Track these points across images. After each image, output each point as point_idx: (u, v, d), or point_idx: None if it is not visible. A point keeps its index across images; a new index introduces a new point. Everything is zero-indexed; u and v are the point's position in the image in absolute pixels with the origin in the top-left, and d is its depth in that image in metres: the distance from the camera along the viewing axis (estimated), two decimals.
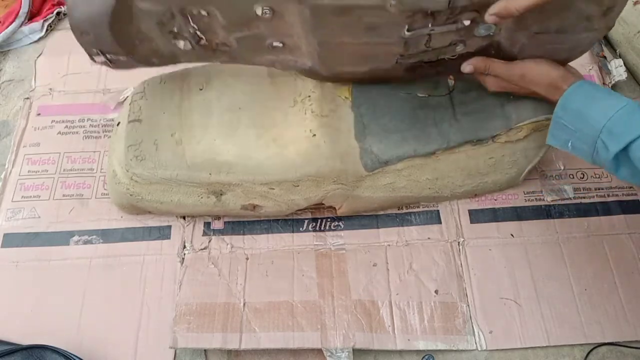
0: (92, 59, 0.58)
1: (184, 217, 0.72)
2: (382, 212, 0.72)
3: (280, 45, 0.59)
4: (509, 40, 0.57)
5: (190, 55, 0.61)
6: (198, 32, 0.57)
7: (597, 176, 0.75)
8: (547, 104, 0.61)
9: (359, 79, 0.66)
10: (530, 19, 0.53)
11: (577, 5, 0.51)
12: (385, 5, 0.49)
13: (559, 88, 0.55)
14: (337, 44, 0.57)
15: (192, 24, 0.55)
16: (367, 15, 0.51)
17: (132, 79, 0.82)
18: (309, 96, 0.64)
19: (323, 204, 0.68)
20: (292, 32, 0.57)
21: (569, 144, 0.54)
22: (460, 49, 0.58)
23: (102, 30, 0.53)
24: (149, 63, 0.61)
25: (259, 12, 0.53)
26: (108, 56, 0.57)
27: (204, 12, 0.55)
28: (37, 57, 0.89)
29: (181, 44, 0.59)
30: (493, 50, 0.59)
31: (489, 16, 0.49)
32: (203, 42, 0.58)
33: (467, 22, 0.53)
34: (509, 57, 0.59)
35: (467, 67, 0.59)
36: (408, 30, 0.53)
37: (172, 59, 0.62)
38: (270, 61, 0.62)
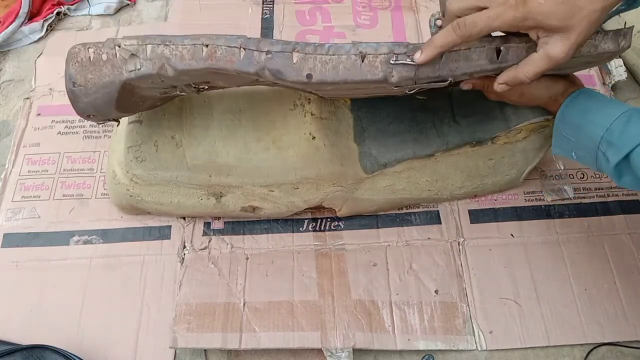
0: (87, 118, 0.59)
1: (184, 218, 0.72)
2: (382, 213, 0.72)
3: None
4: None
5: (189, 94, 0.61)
6: (200, 87, 0.57)
7: (597, 176, 0.75)
8: None
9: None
10: None
11: (601, 47, 0.49)
12: (386, 82, 0.48)
13: (557, 101, 0.55)
14: (333, 94, 0.58)
15: (193, 86, 0.56)
16: (359, 87, 0.51)
17: None
18: (309, 99, 0.64)
19: (323, 206, 0.68)
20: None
21: (573, 153, 0.54)
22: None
23: (108, 111, 0.54)
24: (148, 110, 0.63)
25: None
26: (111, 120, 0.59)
27: (205, 85, 0.56)
28: (37, 57, 0.89)
29: (182, 92, 0.59)
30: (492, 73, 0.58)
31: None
32: (203, 88, 0.58)
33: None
34: None
35: (465, 85, 0.57)
36: (395, 87, 0.50)
37: (165, 102, 0.63)
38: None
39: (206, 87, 0.57)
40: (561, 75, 0.56)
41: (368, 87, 0.49)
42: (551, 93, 0.55)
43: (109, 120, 0.58)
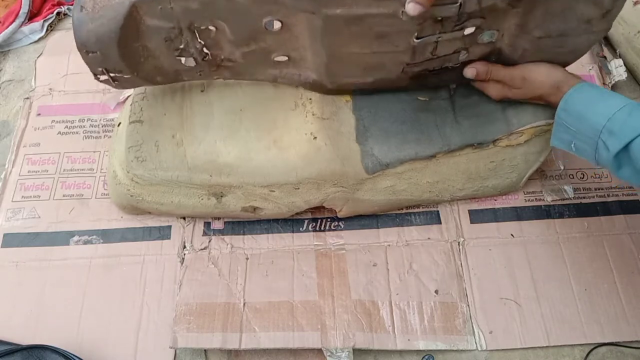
0: (96, 77, 0.58)
1: (184, 218, 0.72)
2: (382, 213, 0.72)
3: (285, 59, 0.59)
4: (511, 47, 0.57)
5: (194, 72, 0.61)
6: (204, 49, 0.57)
7: (597, 176, 0.75)
8: (548, 109, 0.61)
9: (362, 89, 0.66)
10: (532, 23, 0.53)
11: (579, 8, 0.52)
12: (397, 13, 0.49)
13: (560, 90, 0.55)
14: (345, 55, 0.57)
15: (199, 39, 0.55)
16: (379, 24, 0.51)
17: None
18: (310, 99, 0.64)
19: (324, 206, 0.68)
20: (299, 44, 0.57)
21: (572, 145, 0.54)
22: (463, 56, 0.58)
23: (109, 48, 0.53)
24: (152, 81, 0.61)
25: (268, 25, 0.53)
26: (112, 75, 0.57)
27: (212, 27, 0.54)
28: (37, 57, 0.89)
29: (186, 60, 0.59)
30: (494, 57, 0.59)
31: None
32: (208, 57, 0.58)
33: (472, 29, 0.54)
34: (510, 63, 0.59)
35: (469, 71, 0.60)
36: (417, 38, 0.53)
37: (175, 76, 0.62)
38: (273, 76, 0.62)
39: (209, 55, 0.57)
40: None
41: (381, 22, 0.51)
42: (552, 80, 0.56)
43: (105, 72, 0.56)
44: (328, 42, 0.55)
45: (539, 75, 0.57)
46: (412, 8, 0.46)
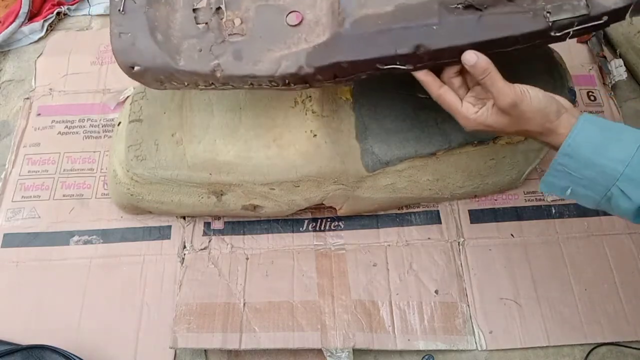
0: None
1: (184, 217, 0.72)
2: (382, 212, 0.72)
3: (299, 20, 0.54)
4: None
5: (193, 49, 0.56)
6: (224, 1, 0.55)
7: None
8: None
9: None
10: None
11: None
12: None
13: (553, 131, 0.48)
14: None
15: None
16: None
17: (132, 80, 0.82)
18: (310, 97, 0.64)
19: (323, 204, 0.68)
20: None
21: (568, 191, 0.48)
22: None
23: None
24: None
25: None
26: None
27: None
28: (37, 57, 0.89)
29: (198, 16, 0.56)
30: None
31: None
32: (223, 17, 0.55)
33: None
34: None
35: (471, 56, 0.48)
36: None
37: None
38: (276, 60, 0.55)
39: (224, 17, 0.56)
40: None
41: None
42: (545, 113, 0.48)
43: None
44: None
45: (531, 107, 0.47)
46: None
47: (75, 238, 0.71)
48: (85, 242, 0.71)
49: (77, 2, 0.95)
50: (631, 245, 0.69)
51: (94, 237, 0.71)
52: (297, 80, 0.53)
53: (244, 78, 0.54)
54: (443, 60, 0.50)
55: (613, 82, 0.82)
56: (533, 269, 0.67)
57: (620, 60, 0.83)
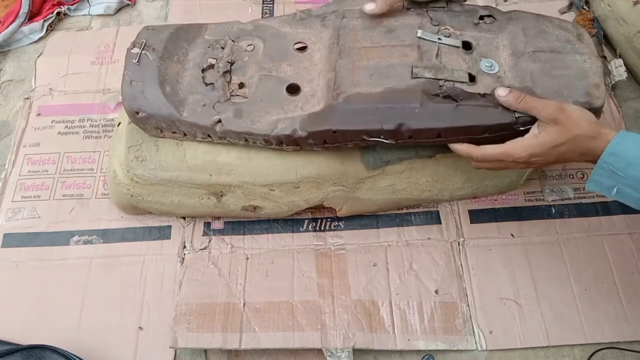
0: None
1: (184, 218, 0.72)
2: (382, 213, 0.72)
3: (296, 94, 0.60)
4: (518, 77, 0.57)
5: (197, 104, 0.60)
6: (231, 67, 0.62)
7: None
8: None
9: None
10: (520, 44, 0.58)
11: (550, 30, 0.59)
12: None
13: (601, 132, 0.50)
14: (357, 51, 0.59)
15: (233, 56, 0.63)
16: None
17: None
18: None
19: (323, 205, 0.68)
20: (315, 72, 0.61)
21: (614, 190, 0.50)
22: (472, 87, 0.56)
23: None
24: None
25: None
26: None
27: (251, 45, 0.64)
28: (37, 57, 0.89)
29: (206, 76, 0.62)
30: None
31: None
32: (229, 78, 0.62)
33: (469, 50, 0.58)
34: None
35: (501, 90, 0.53)
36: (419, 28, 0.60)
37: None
38: (274, 122, 0.59)
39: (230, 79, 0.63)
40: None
41: None
42: (589, 118, 0.51)
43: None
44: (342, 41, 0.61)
45: (575, 111, 0.51)
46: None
47: (75, 238, 0.71)
48: (85, 242, 0.71)
49: (77, 2, 0.95)
50: (631, 245, 0.69)
51: (94, 237, 0.71)
52: (290, 142, 0.59)
53: (241, 134, 0.60)
54: (422, 138, 0.57)
55: (613, 82, 0.82)
56: (533, 269, 0.67)
57: (620, 60, 0.83)
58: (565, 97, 0.55)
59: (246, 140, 0.60)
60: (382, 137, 0.57)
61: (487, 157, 0.54)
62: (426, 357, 0.63)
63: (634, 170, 0.48)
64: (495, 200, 0.73)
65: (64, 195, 0.74)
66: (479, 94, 0.55)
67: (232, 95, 0.61)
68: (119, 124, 0.69)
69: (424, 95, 0.55)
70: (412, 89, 0.56)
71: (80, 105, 0.83)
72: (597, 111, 0.55)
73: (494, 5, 0.83)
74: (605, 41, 0.88)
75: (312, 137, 0.57)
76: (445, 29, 0.60)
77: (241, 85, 0.61)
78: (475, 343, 0.63)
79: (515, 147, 0.52)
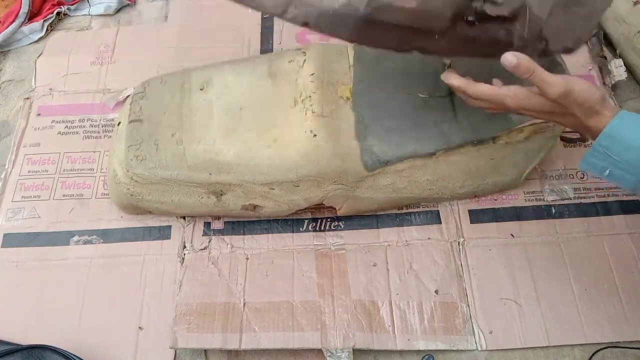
0: None
1: (184, 217, 0.72)
2: (382, 212, 0.72)
3: None
4: (539, 2, 0.52)
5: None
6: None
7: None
8: None
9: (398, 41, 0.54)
10: None
11: None
12: None
13: (599, 113, 0.50)
14: None
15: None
16: None
17: (132, 79, 0.82)
18: (310, 96, 0.64)
19: (323, 204, 0.68)
20: None
21: (607, 171, 0.50)
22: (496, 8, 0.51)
23: None
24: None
25: None
26: None
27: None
28: (37, 57, 0.89)
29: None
30: (523, 14, 0.53)
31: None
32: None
33: None
34: (538, 29, 0.54)
35: (511, 58, 0.50)
36: None
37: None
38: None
39: None
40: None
41: None
42: (595, 98, 0.50)
43: None
44: None
45: (584, 90, 0.49)
46: None
47: (75, 238, 0.71)
48: (85, 242, 0.71)
49: (77, 2, 0.95)
50: (631, 245, 0.69)
51: (94, 237, 0.71)
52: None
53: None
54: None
55: (613, 82, 0.82)
56: (533, 269, 0.67)
57: (620, 60, 0.83)
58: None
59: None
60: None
61: (481, 96, 0.53)
62: (426, 357, 0.63)
63: (629, 155, 0.48)
64: (495, 200, 0.73)
65: (64, 195, 0.74)
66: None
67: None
68: (119, 123, 0.69)
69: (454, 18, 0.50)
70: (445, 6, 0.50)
71: (80, 105, 0.83)
72: None
73: None
74: (605, 41, 0.88)
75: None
76: None
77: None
78: (475, 343, 0.63)
79: (509, 95, 0.51)
